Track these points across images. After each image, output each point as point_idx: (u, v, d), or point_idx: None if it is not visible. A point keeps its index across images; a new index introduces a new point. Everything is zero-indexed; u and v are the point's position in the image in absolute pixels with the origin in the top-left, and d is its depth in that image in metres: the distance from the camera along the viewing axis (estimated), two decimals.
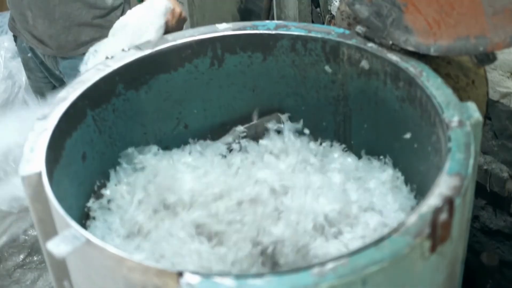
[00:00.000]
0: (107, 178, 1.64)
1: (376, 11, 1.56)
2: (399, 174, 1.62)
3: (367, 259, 1.06)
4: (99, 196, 1.59)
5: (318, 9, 2.85)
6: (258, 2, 3.35)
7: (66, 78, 2.71)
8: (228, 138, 1.78)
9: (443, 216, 1.11)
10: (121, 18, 1.95)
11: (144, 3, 2.00)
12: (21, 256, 3.10)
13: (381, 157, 1.67)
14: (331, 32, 1.65)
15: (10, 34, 3.05)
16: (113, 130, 1.63)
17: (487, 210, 2.39)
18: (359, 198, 1.54)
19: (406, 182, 1.60)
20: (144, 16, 1.92)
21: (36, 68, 2.89)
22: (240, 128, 1.77)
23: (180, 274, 1.04)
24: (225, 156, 1.73)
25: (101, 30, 2.73)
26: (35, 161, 1.31)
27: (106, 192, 1.59)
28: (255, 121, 1.79)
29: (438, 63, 1.57)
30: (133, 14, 1.95)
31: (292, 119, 1.79)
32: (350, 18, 1.72)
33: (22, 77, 3.40)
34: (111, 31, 1.94)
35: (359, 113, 1.69)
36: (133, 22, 1.90)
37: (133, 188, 1.59)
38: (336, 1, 2.63)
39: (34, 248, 3.10)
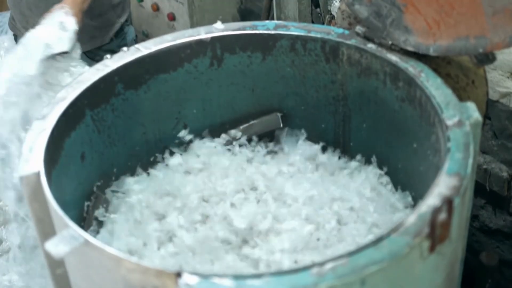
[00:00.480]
0: (106, 178, 1.64)
1: (375, 11, 1.55)
2: (382, 172, 1.66)
3: (366, 259, 1.06)
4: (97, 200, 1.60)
5: (318, 9, 2.84)
6: (258, 2, 3.35)
7: None
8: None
9: (442, 216, 1.11)
10: (28, 34, 2.09)
11: (53, 20, 2.13)
12: None
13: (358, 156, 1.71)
14: (330, 32, 1.65)
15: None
16: (112, 130, 1.63)
17: (486, 209, 2.39)
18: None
19: (402, 181, 1.61)
20: (53, 34, 2.06)
21: None
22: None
23: (178, 274, 1.04)
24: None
25: (100, 28, 2.74)
26: (33, 161, 1.30)
27: None
28: (254, 121, 1.79)
29: (438, 63, 1.57)
30: (43, 32, 2.09)
31: (291, 119, 1.79)
32: (351, 17, 1.71)
33: None
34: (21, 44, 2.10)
35: (359, 113, 1.69)
36: (41, 40, 2.04)
37: None
38: (336, 1, 2.63)
39: None
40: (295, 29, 1.67)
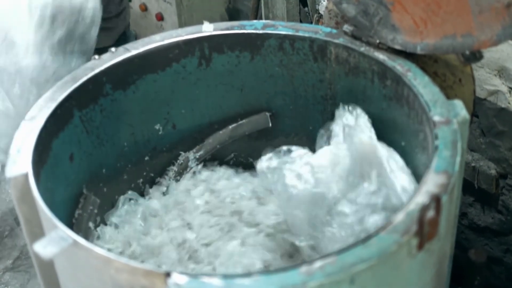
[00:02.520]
0: (95, 179, 1.63)
1: (363, 10, 1.56)
2: None
3: (355, 257, 1.06)
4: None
5: (306, 9, 2.85)
6: (246, 2, 3.35)
7: None
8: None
9: (430, 214, 1.11)
10: None
11: None
12: (10, 260, 3.09)
13: None
14: (318, 31, 1.65)
15: None
16: (100, 131, 1.62)
17: (475, 207, 2.40)
18: None
19: None
20: None
21: None
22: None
23: (167, 274, 1.03)
24: None
25: (107, 33, 2.80)
26: (21, 162, 1.30)
27: None
28: (243, 121, 1.79)
29: (425, 62, 1.58)
30: None
31: (280, 118, 1.79)
32: (338, 16, 1.72)
33: None
34: None
35: None
36: None
37: None
38: (323, 0, 2.64)
39: (24, 251, 3.08)
40: (283, 29, 1.67)
